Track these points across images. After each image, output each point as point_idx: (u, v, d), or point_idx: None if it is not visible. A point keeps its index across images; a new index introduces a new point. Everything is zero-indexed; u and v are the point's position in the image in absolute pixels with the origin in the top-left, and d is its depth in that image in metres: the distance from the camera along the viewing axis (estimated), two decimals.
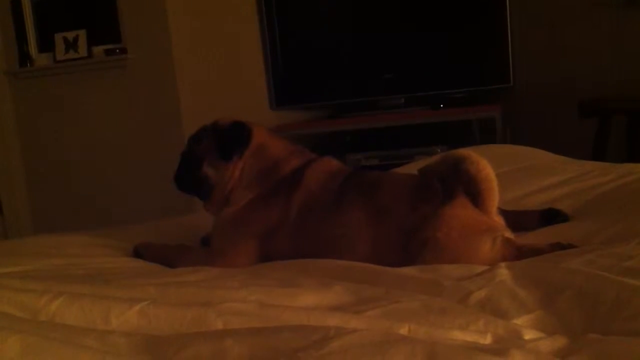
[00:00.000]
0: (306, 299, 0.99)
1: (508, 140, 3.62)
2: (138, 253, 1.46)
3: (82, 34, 4.02)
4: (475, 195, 1.31)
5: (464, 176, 1.31)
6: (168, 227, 1.79)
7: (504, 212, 1.39)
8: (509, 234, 1.32)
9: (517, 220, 1.45)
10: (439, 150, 3.53)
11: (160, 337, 0.80)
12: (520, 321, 0.94)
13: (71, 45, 4.04)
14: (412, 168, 1.74)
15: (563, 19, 3.85)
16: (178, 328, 0.85)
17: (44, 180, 4.13)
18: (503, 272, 1.08)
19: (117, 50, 3.94)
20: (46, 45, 4.15)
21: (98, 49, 4.02)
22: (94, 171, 4.04)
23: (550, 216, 1.50)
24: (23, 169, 4.15)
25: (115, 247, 1.50)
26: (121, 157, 3.99)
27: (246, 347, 0.75)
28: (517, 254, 1.26)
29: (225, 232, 1.44)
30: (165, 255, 1.43)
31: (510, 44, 3.60)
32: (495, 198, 1.32)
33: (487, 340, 0.85)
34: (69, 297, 0.89)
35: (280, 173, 1.45)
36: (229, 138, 1.49)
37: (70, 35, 4.03)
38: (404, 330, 0.84)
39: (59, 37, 4.05)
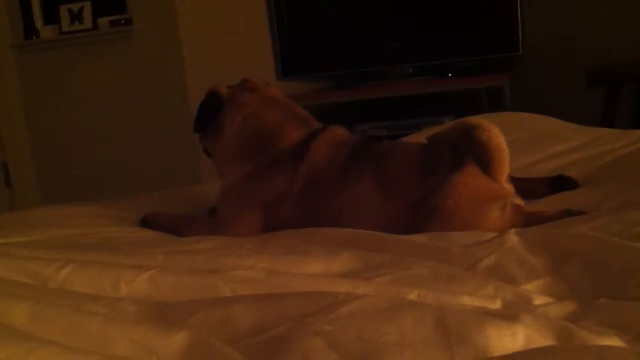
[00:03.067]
0: (314, 267, 0.99)
1: (516, 109, 3.60)
2: (146, 223, 1.46)
3: (87, 5, 4.00)
4: (486, 163, 1.30)
5: (475, 144, 1.30)
6: (176, 197, 1.79)
7: (513, 180, 1.38)
8: (518, 201, 1.32)
9: (526, 187, 1.44)
10: (446, 120, 3.50)
11: (169, 304, 0.81)
12: (529, 287, 0.93)
13: (76, 16, 4.02)
14: (420, 137, 1.73)
15: None
16: (187, 295, 0.85)
17: (51, 152, 4.15)
18: (512, 238, 1.07)
19: (122, 21, 3.92)
20: (51, 17, 4.13)
21: (103, 20, 4.00)
22: (100, 142, 4.05)
23: (560, 183, 1.49)
24: (30, 141, 4.16)
25: (124, 217, 1.51)
26: (127, 127, 3.99)
27: (254, 313, 0.74)
28: (527, 220, 1.26)
29: (228, 202, 1.44)
30: (173, 225, 1.42)
31: (519, 11, 3.55)
32: (505, 166, 1.31)
33: (497, 305, 0.84)
34: (78, 265, 0.89)
35: (282, 143, 1.42)
36: (199, 110, 1.48)
37: (75, 6, 4.01)
38: (412, 296, 0.84)
39: (64, 9, 4.03)
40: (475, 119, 1.35)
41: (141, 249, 1.13)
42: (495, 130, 1.31)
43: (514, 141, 1.75)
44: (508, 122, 1.90)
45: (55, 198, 4.03)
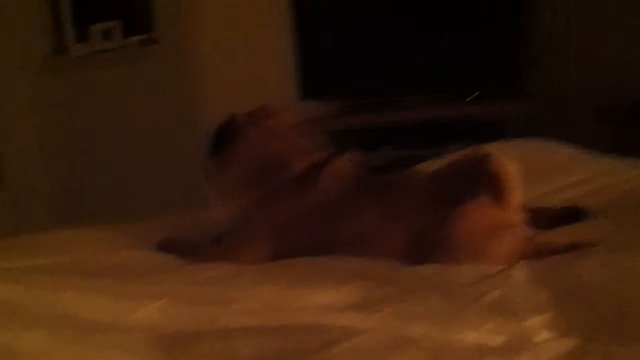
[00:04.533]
0: (318, 298, 1.01)
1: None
2: (162, 247, 1.49)
3: (117, 24, 4.08)
4: (495, 193, 1.30)
5: (485, 174, 1.31)
6: (190, 222, 1.80)
7: (525, 209, 1.38)
8: (528, 232, 1.32)
9: (538, 217, 1.44)
10: (469, 147, 3.49)
11: (174, 335, 0.83)
12: (532, 322, 0.94)
13: (106, 35, 4.11)
14: (434, 165, 1.74)
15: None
16: (192, 326, 0.87)
17: (79, 168, 4.22)
18: (517, 273, 1.08)
19: (150, 41, 4.00)
20: (82, 35, 4.22)
21: (132, 39, 4.08)
22: (126, 159, 4.11)
23: (573, 214, 1.49)
24: (62, 156, 4.24)
25: (136, 241, 1.52)
26: (152, 145, 4.05)
27: (256, 346, 0.77)
28: (536, 251, 1.26)
29: (235, 230, 1.46)
30: (186, 250, 1.45)
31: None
32: (516, 196, 1.32)
33: (498, 342, 0.85)
34: (88, 293, 0.92)
35: (290, 172, 1.44)
36: (214, 136, 1.51)
37: (105, 25, 4.10)
38: (414, 332, 0.85)
39: (94, 28, 4.11)
40: (484, 149, 1.36)
41: (150, 277, 1.15)
42: (504, 160, 1.32)
43: (527, 170, 1.76)
44: (522, 150, 1.91)
45: (81, 210, 4.10)
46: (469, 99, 3.70)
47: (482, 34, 3.75)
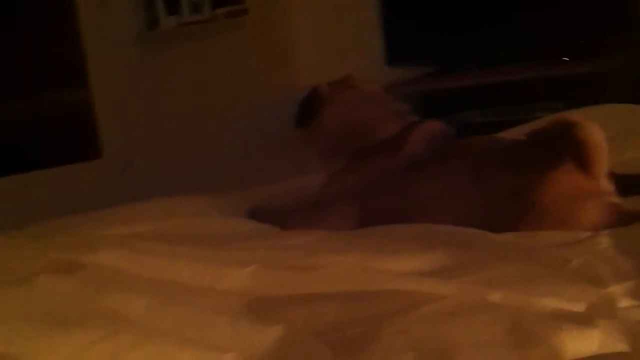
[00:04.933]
0: (404, 264, 1.04)
1: (637, 94, 3.44)
2: (253, 215, 1.56)
3: None
4: (583, 160, 1.29)
5: (573, 141, 1.30)
6: (284, 189, 1.87)
7: (615, 176, 1.36)
8: (616, 199, 1.31)
9: (628, 183, 1.42)
10: (559, 107, 3.40)
11: (266, 298, 0.89)
12: (616, 289, 0.94)
13: (196, 7, 4.21)
14: (525, 129, 1.73)
15: None
16: (283, 290, 0.92)
17: (171, 140, 4.38)
18: (603, 239, 1.08)
19: (239, 12, 4.08)
20: (172, 8, 4.34)
21: (221, 11, 4.17)
22: (213, 132, 4.23)
23: None
24: (151, 129, 4.41)
25: (233, 207, 1.61)
26: (243, 117, 4.15)
27: (342, 310, 0.82)
28: (623, 219, 1.25)
29: (327, 193, 1.51)
30: (277, 217, 1.51)
31: None
32: (604, 164, 1.31)
33: (580, 308, 0.86)
34: (188, 259, 0.99)
35: (379, 135, 1.49)
36: (299, 106, 1.58)
37: None
38: (496, 296, 0.88)
39: (184, 0, 4.23)
40: (572, 115, 1.35)
41: (243, 243, 1.22)
42: (594, 127, 1.30)
43: (618, 135, 1.72)
44: (612, 114, 1.86)
45: (174, 184, 4.26)
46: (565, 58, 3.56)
47: None
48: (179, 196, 1.73)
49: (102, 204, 1.72)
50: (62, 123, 4.46)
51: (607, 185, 1.32)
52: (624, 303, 0.89)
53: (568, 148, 1.30)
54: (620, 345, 0.74)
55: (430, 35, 3.96)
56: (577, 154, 1.29)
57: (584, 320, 0.77)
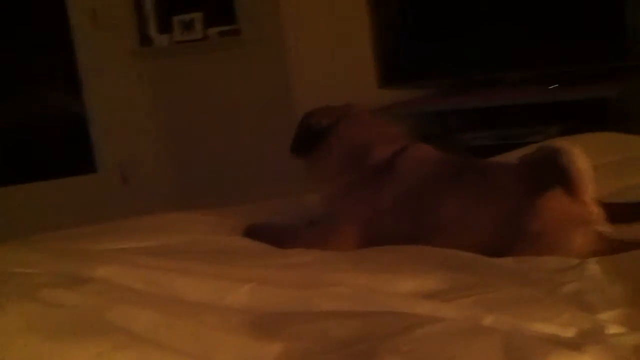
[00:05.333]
0: (404, 285, 1.08)
1: (631, 121, 3.48)
2: (249, 233, 1.58)
3: (198, 16, 4.22)
4: (569, 187, 1.33)
5: (558, 168, 1.33)
6: (280, 207, 1.89)
7: (604, 204, 1.40)
8: (605, 227, 1.34)
9: (617, 212, 1.45)
10: (552, 132, 3.44)
11: (267, 315, 0.91)
12: (605, 316, 0.97)
13: (188, 26, 4.25)
14: (518, 154, 1.75)
15: None
16: (284, 307, 0.95)
17: (165, 153, 4.40)
18: (593, 266, 1.11)
19: (231, 32, 4.11)
20: (165, 26, 4.39)
21: (213, 31, 4.21)
22: (209, 146, 4.26)
23: None
24: (146, 142, 4.42)
25: (232, 225, 1.63)
26: (233, 133, 4.18)
27: (342, 329, 0.84)
28: (612, 247, 1.28)
29: (325, 216, 1.54)
30: (275, 236, 1.53)
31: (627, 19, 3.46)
32: (589, 189, 1.34)
33: (570, 333, 0.89)
34: (190, 276, 1.02)
35: (373, 159, 1.52)
36: (296, 134, 1.62)
37: (187, 17, 4.25)
38: (490, 320, 0.91)
39: (176, 19, 4.27)
40: (558, 142, 1.38)
41: (244, 261, 1.24)
42: (577, 154, 1.34)
43: (609, 164, 1.76)
44: (603, 143, 1.90)
45: (169, 196, 4.28)
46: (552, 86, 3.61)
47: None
48: (175, 212, 1.75)
49: (98, 218, 1.74)
50: (57, 138, 4.48)
51: (597, 212, 1.35)
52: (613, 330, 0.92)
53: (556, 174, 1.34)
54: None
55: (423, 58, 4.00)
56: (564, 180, 1.33)
57: (573, 346, 0.80)
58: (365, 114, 1.65)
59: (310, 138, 1.60)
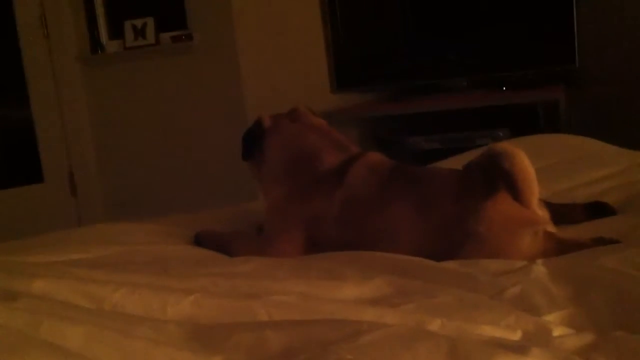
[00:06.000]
0: (347, 291, 1.06)
1: (574, 123, 3.57)
2: (198, 241, 1.55)
3: (150, 21, 4.16)
4: (513, 190, 1.34)
5: (500, 171, 1.34)
6: (230, 214, 1.87)
7: (548, 205, 1.41)
8: (551, 228, 1.35)
9: (562, 213, 1.47)
10: (500, 135, 3.51)
11: (209, 326, 0.89)
12: (551, 317, 0.97)
13: (140, 32, 4.19)
14: (460, 160, 1.77)
15: None
16: (226, 318, 0.92)
17: (114, 162, 4.32)
18: (538, 268, 1.12)
19: (183, 37, 4.07)
20: (116, 32, 4.32)
21: (165, 36, 4.16)
22: (161, 154, 4.20)
23: (596, 209, 1.52)
24: (95, 151, 4.34)
25: (177, 234, 1.60)
26: (186, 138, 4.13)
27: (284, 338, 0.82)
28: (558, 248, 1.29)
29: (271, 223, 1.52)
30: (222, 244, 1.51)
31: (575, 23, 3.54)
32: (533, 191, 1.34)
33: (516, 336, 0.89)
34: (130, 288, 0.98)
35: (320, 166, 1.50)
36: (243, 139, 1.60)
37: (138, 22, 4.18)
38: (435, 325, 0.90)
39: (128, 24, 4.20)
40: (500, 145, 1.39)
41: (189, 270, 1.21)
42: (519, 157, 1.34)
43: (553, 165, 1.79)
44: (547, 145, 1.93)
45: (118, 206, 4.21)
46: (504, 88, 3.68)
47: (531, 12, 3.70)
48: (123, 222, 1.71)
49: (45, 229, 1.69)
50: (3, 147, 4.37)
51: (542, 214, 1.36)
52: (558, 331, 0.92)
53: (501, 178, 1.34)
54: None
55: (376, 62, 4.03)
56: (507, 183, 1.34)
57: (519, 349, 0.79)
58: (312, 119, 1.63)
59: (254, 142, 1.58)
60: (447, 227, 1.34)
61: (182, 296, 0.97)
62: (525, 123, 3.63)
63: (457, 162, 1.70)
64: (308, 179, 1.49)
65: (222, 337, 0.85)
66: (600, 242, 1.29)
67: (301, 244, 1.44)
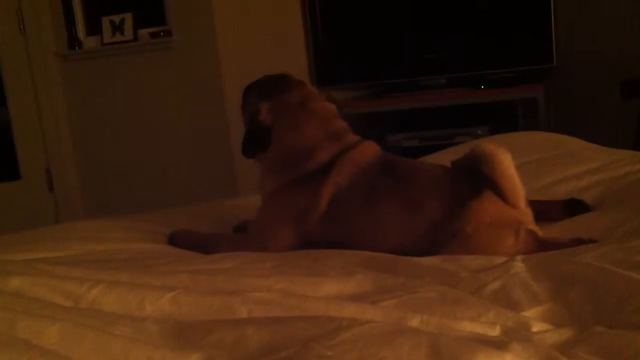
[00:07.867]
0: (328, 288, 1.06)
1: (552, 120, 3.61)
2: (173, 241, 1.53)
3: (128, 17, 4.12)
4: (497, 190, 1.35)
5: (483, 173, 1.35)
6: (210, 211, 1.86)
7: (532, 202, 1.42)
8: (534, 227, 1.36)
9: (541, 210, 1.48)
10: (479, 132, 3.53)
11: (189, 324, 0.88)
12: (530, 313, 0.98)
13: (118, 28, 4.15)
14: (451, 153, 1.76)
15: None
16: (206, 315, 0.92)
17: (93, 159, 4.28)
18: (518, 264, 1.12)
19: (162, 33, 4.03)
20: (94, 28, 4.27)
21: (143, 32, 4.12)
22: (139, 151, 4.17)
23: (573, 206, 1.53)
24: (73, 148, 4.30)
25: (155, 231, 1.58)
26: (165, 135, 4.10)
27: (265, 335, 0.81)
28: (540, 247, 1.30)
29: (260, 216, 1.51)
30: (199, 243, 1.49)
31: (553, 23, 3.57)
32: (517, 192, 1.36)
33: (496, 332, 0.89)
34: (108, 285, 0.97)
35: (314, 160, 1.47)
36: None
37: (116, 18, 4.14)
38: (416, 321, 0.90)
39: (105, 21, 4.16)
40: (482, 147, 1.39)
41: (168, 267, 1.20)
42: (500, 158, 1.36)
43: (532, 162, 1.80)
44: (526, 143, 1.94)
45: (96, 203, 4.18)
46: (483, 86, 3.71)
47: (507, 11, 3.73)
48: (101, 219, 1.69)
49: (23, 226, 1.67)
50: None
51: (527, 212, 1.37)
52: (538, 327, 0.92)
53: (486, 177, 1.35)
54: None
55: (357, 59, 4.03)
56: (491, 184, 1.35)
57: (499, 344, 0.79)
58: (313, 102, 1.57)
59: (257, 137, 1.53)
60: (434, 225, 1.34)
61: (161, 293, 0.96)
62: (504, 121, 3.66)
63: (436, 160, 1.70)
64: (298, 175, 1.47)
65: (201, 334, 0.84)
66: (578, 242, 1.30)
67: (289, 240, 1.43)
